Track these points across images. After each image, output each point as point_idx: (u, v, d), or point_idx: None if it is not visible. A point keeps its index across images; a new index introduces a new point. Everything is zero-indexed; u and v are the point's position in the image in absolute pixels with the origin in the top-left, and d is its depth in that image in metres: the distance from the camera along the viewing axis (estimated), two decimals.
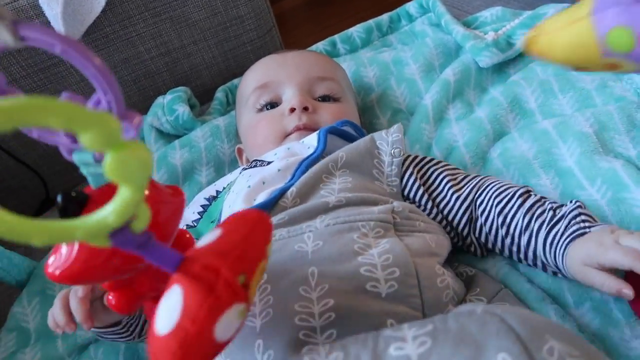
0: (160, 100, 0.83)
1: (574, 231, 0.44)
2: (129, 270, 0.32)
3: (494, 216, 0.49)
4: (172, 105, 0.81)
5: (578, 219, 0.45)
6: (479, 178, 0.53)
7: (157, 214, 0.31)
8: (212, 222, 0.61)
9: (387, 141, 0.55)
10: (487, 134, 0.66)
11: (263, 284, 0.40)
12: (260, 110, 0.67)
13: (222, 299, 0.26)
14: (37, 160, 0.89)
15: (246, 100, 0.69)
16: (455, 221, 0.52)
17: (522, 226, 0.47)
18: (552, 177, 0.56)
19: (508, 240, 0.49)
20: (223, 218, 0.55)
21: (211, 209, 0.62)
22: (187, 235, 0.38)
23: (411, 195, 0.54)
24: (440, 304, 0.40)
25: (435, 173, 0.55)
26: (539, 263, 0.48)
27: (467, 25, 0.86)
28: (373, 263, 0.40)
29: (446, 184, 0.53)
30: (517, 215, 0.48)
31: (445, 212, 0.53)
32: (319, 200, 0.48)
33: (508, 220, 0.48)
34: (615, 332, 0.44)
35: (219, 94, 0.89)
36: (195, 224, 0.62)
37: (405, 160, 0.56)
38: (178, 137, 0.81)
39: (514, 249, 0.49)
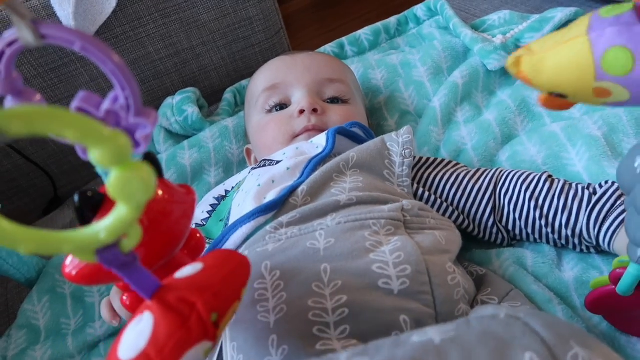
0: (169, 100, 0.84)
1: (624, 211, 0.45)
2: None
3: (524, 200, 0.52)
4: (181, 106, 0.81)
5: (622, 199, 0.46)
6: (495, 169, 0.56)
7: (169, 214, 0.32)
8: (220, 220, 0.61)
9: (397, 142, 0.56)
10: (496, 136, 0.66)
11: (276, 280, 0.40)
12: (270, 111, 0.67)
13: (192, 334, 0.26)
14: (46, 159, 0.90)
15: (255, 101, 0.69)
16: (480, 212, 0.54)
17: (557, 206, 0.50)
18: None
19: (542, 222, 0.51)
20: (232, 217, 0.56)
21: (220, 208, 0.63)
22: (198, 235, 0.38)
23: (425, 196, 0.55)
24: (451, 301, 0.41)
25: (450, 171, 0.57)
26: (575, 241, 0.50)
27: (475, 28, 0.86)
28: (385, 260, 0.40)
29: (464, 177, 0.55)
30: (549, 197, 0.50)
31: (465, 204, 0.54)
32: (330, 199, 0.48)
33: (541, 202, 0.51)
34: (623, 334, 0.44)
35: (228, 95, 0.89)
36: (204, 223, 0.62)
37: (417, 163, 0.56)
38: (187, 137, 0.81)
39: (548, 229, 0.51)
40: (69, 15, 0.76)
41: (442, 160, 0.59)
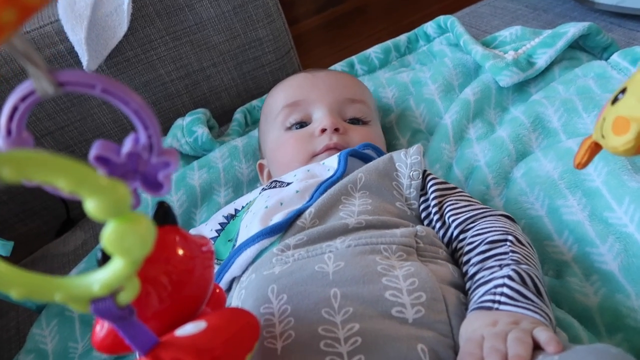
0: (179, 122, 0.84)
1: (485, 300, 0.39)
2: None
3: (460, 254, 0.47)
4: (191, 127, 0.81)
5: (499, 289, 0.39)
6: (474, 213, 0.49)
7: (192, 271, 0.30)
8: (229, 240, 0.60)
9: (405, 163, 0.54)
10: (510, 153, 0.64)
11: (282, 305, 0.39)
12: (289, 128, 0.66)
13: None
14: None
15: (275, 117, 0.68)
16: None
17: (469, 273, 0.44)
18: (579, 198, 0.55)
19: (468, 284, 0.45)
20: (239, 238, 0.55)
21: (229, 228, 0.62)
22: (217, 290, 0.37)
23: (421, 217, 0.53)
24: None
25: (447, 203, 0.52)
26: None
27: (486, 44, 0.85)
28: (398, 287, 0.39)
29: (448, 212, 0.51)
30: (473, 260, 0.44)
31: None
32: (339, 222, 0.47)
33: (467, 260, 0.45)
34: None
35: (238, 115, 0.89)
36: (212, 242, 0.61)
37: (424, 179, 0.54)
38: (197, 158, 0.81)
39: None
40: (82, 40, 0.77)
41: (449, 189, 0.54)
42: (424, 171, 0.55)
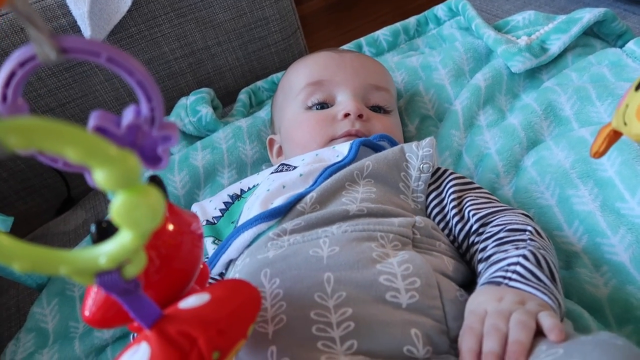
0: (183, 101, 0.82)
1: (496, 276, 0.39)
2: None
3: (478, 244, 0.46)
4: (195, 106, 0.80)
5: (511, 267, 0.39)
6: (495, 209, 0.48)
7: (180, 246, 0.30)
8: (232, 222, 0.59)
9: (416, 155, 0.53)
10: (521, 141, 0.63)
11: (275, 289, 0.38)
12: (310, 108, 0.64)
13: None
14: None
15: (295, 94, 0.66)
16: (459, 241, 0.49)
17: (484, 257, 0.43)
18: (590, 188, 0.54)
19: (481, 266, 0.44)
20: (241, 220, 0.54)
21: (233, 209, 0.61)
22: (201, 266, 0.37)
23: (433, 213, 0.52)
24: (461, 318, 0.38)
25: (466, 198, 0.51)
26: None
27: (498, 29, 0.83)
28: (393, 272, 0.38)
29: (468, 207, 0.50)
30: (490, 246, 0.44)
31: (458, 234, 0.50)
32: (339, 208, 0.46)
33: (483, 247, 0.45)
34: None
35: (242, 95, 0.88)
36: (216, 221, 0.61)
37: (434, 174, 0.53)
38: (200, 138, 0.80)
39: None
40: (84, 14, 0.75)
41: (463, 182, 0.53)
42: (439, 168, 0.54)
